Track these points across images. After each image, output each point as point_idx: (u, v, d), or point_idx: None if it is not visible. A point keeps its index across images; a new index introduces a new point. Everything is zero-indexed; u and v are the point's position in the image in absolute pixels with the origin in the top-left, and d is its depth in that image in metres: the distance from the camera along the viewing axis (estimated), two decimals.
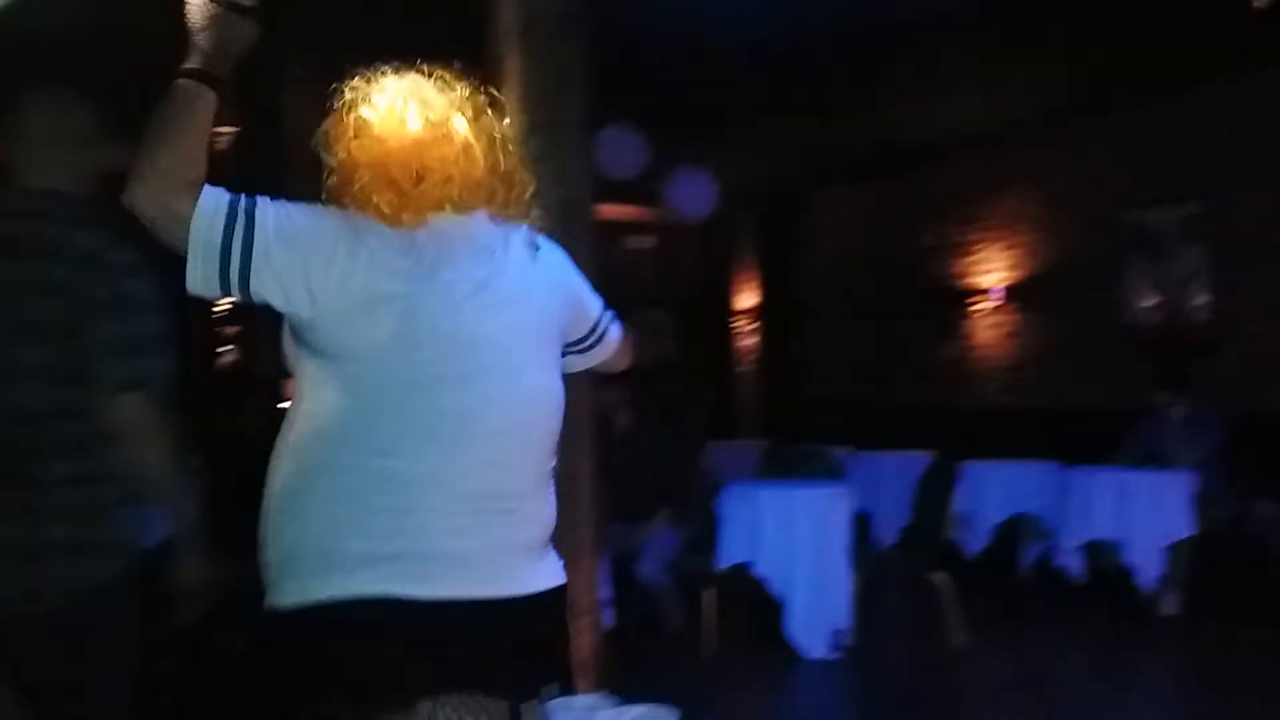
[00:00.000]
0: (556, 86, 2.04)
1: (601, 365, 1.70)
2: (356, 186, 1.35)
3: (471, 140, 1.38)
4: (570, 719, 1.14)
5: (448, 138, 1.37)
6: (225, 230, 1.26)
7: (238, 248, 1.26)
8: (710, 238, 10.25)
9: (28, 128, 1.96)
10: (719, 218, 8.95)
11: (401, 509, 1.30)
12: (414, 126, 1.36)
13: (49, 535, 1.82)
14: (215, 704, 3.40)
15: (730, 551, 4.47)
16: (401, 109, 1.37)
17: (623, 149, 4.79)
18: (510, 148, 1.41)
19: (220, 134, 7.40)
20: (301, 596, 1.31)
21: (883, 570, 5.12)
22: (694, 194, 5.86)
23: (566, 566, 2.03)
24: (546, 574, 1.43)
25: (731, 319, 10.72)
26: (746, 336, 10.60)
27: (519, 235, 1.43)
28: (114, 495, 1.89)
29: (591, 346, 1.65)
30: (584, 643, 2.03)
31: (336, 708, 1.31)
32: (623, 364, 1.73)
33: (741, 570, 4.47)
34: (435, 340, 1.32)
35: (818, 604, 4.44)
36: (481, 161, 1.38)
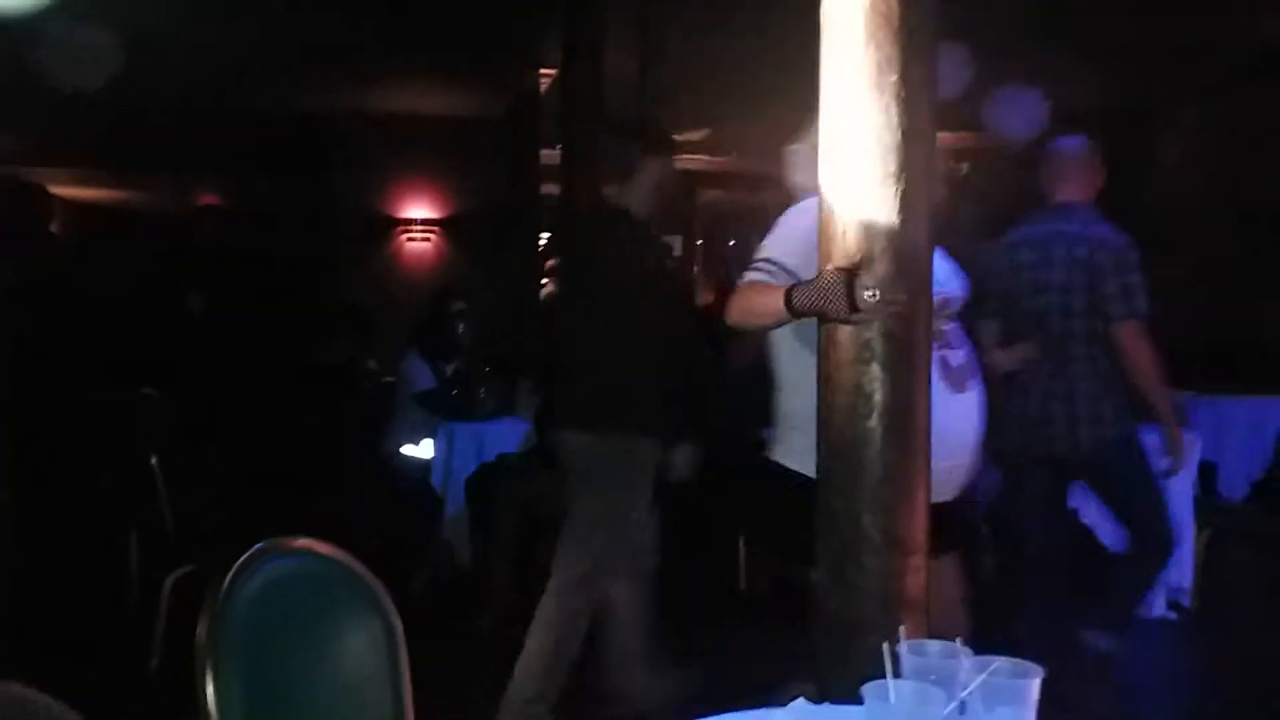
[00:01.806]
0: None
1: None
2: None
3: None
4: (924, 664, 1.12)
5: None
6: None
7: None
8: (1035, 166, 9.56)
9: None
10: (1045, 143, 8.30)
11: None
12: None
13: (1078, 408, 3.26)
14: None
15: None
16: None
17: (948, 66, 4.53)
18: None
19: (542, 75, 7.80)
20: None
21: (1231, 526, 4.65)
22: (1021, 115, 5.44)
23: (898, 504, 2.00)
24: None
25: None
26: None
27: None
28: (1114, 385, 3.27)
29: None
30: (912, 583, 1.99)
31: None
32: None
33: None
34: None
35: None
36: None
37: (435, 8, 6.05)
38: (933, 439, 2.01)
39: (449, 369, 4.92)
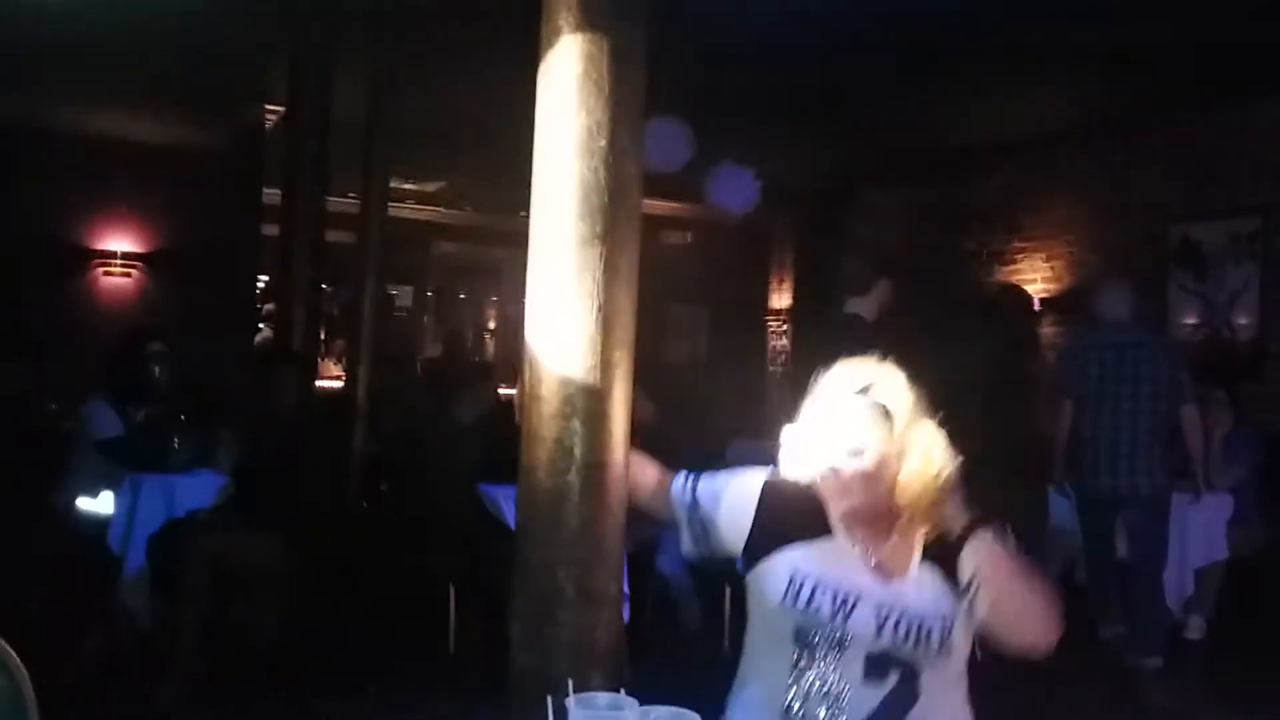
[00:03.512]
0: (616, 69, 2.02)
1: None
2: None
3: None
4: (591, 716, 1.13)
5: None
6: None
7: None
8: (749, 237, 10.23)
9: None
10: (758, 217, 8.90)
11: None
12: None
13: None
14: None
15: None
16: None
17: (666, 140, 4.77)
18: None
19: (268, 113, 7.48)
20: None
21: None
22: (736, 190, 5.82)
23: (593, 558, 2.02)
24: None
25: (767, 318, 10.70)
26: (778, 336, 10.58)
27: None
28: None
29: None
30: (602, 635, 2.02)
31: None
32: None
33: None
34: None
35: None
36: None
37: (152, 25, 5.67)
38: None
39: (140, 415, 4.53)
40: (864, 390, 1.71)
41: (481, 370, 7.48)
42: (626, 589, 3.68)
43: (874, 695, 1.60)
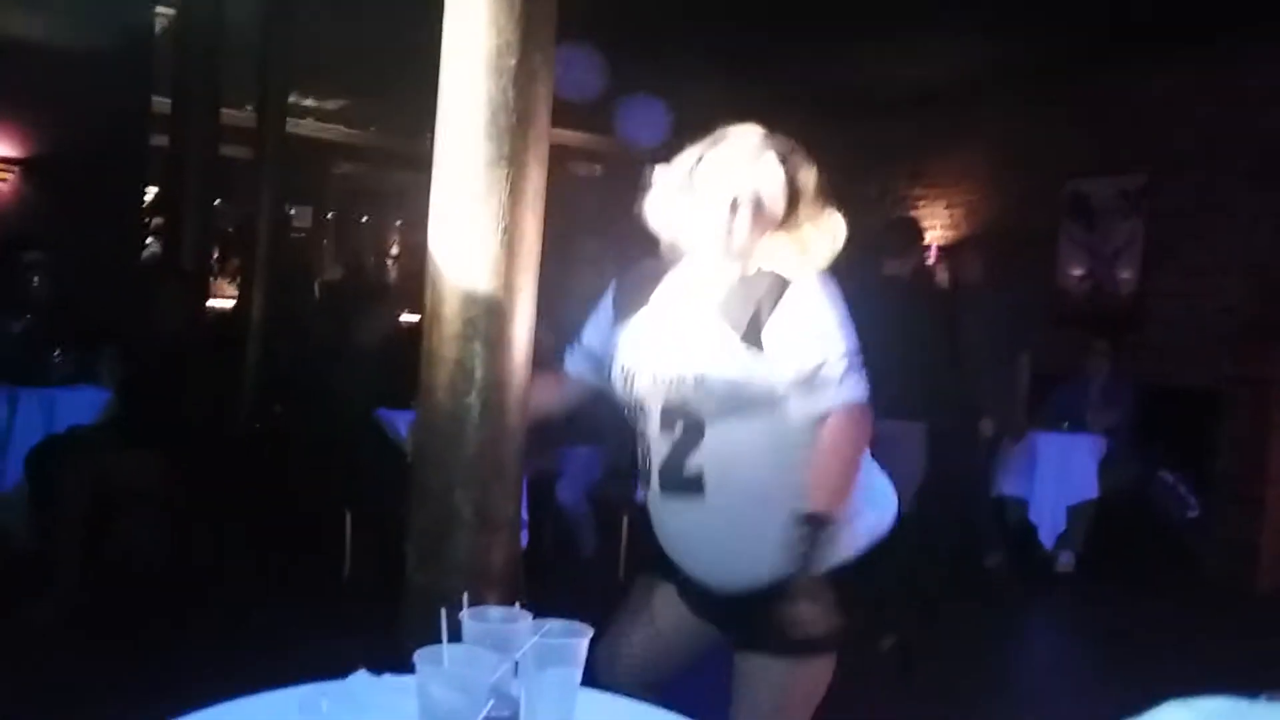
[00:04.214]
0: None
1: None
2: None
3: None
4: (484, 629, 1.14)
5: None
6: None
7: None
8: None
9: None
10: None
11: None
12: None
13: None
14: None
15: None
16: None
17: (578, 67, 4.69)
18: None
19: (158, 15, 7.08)
20: None
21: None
22: (646, 122, 5.78)
23: (490, 482, 2.02)
24: None
25: None
26: None
27: None
28: None
29: None
30: (499, 557, 2.04)
31: None
32: None
33: None
34: None
35: None
36: None
37: None
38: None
39: (18, 326, 4.32)
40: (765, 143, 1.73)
41: (381, 294, 7.33)
42: (525, 516, 3.69)
43: (666, 440, 1.70)
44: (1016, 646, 4.58)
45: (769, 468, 1.66)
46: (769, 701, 1.68)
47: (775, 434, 1.65)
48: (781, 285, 1.65)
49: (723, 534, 1.68)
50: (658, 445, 1.70)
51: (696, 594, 1.76)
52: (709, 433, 1.66)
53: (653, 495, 1.75)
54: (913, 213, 8.38)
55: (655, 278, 1.81)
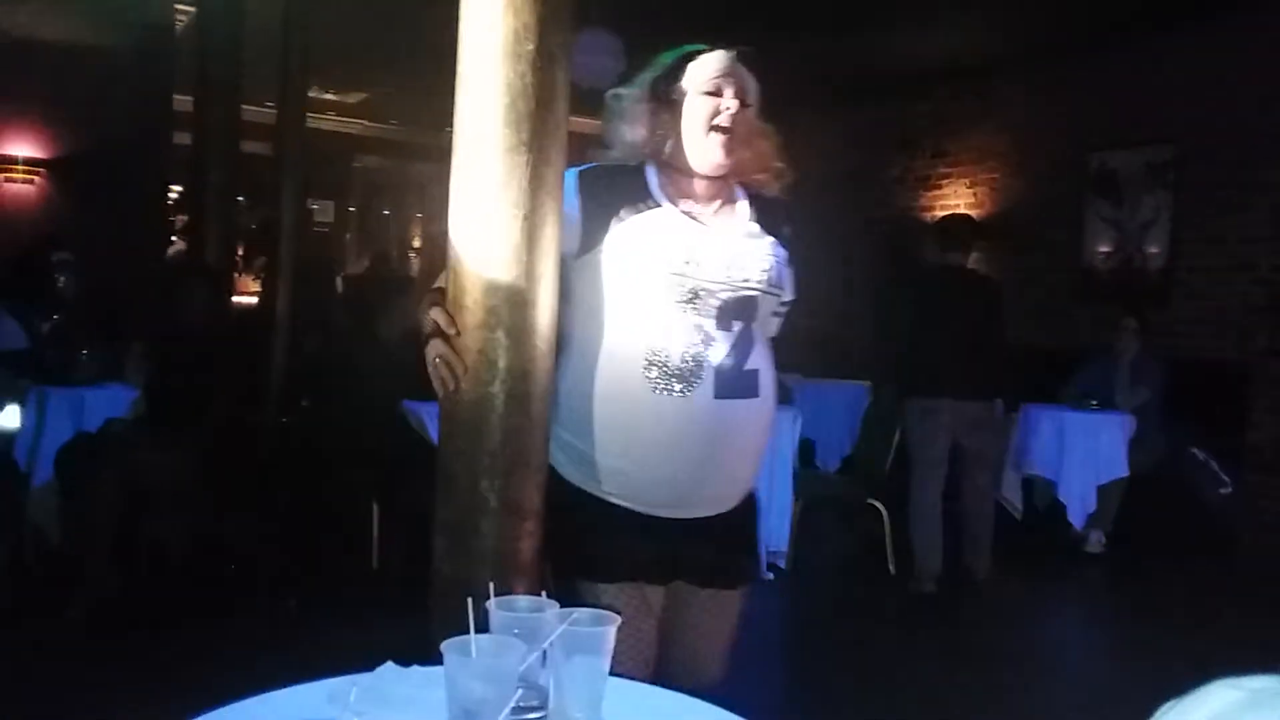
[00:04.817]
0: None
1: None
2: None
3: None
4: (511, 618, 1.13)
5: None
6: None
7: None
8: None
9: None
10: None
11: None
12: None
13: None
14: None
15: None
16: None
17: (598, 53, 4.65)
18: None
19: (179, 12, 7.11)
20: None
21: (824, 495, 5.20)
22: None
23: (515, 470, 2.02)
24: None
25: None
26: None
27: None
28: None
29: None
30: (525, 546, 2.03)
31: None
32: None
33: None
34: None
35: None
36: None
37: None
38: (634, 441, 1.86)
39: (45, 326, 4.36)
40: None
41: (405, 286, 7.35)
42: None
43: (726, 339, 1.73)
44: (1054, 627, 4.55)
45: (774, 374, 1.79)
46: (728, 634, 1.83)
47: (769, 343, 1.82)
48: (788, 206, 1.85)
49: (754, 441, 1.76)
50: (714, 345, 1.72)
51: (655, 543, 1.78)
52: (756, 333, 1.76)
53: (696, 398, 1.71)
54: (935, 192, 8.31)
55: (633, 179, 1.90)
